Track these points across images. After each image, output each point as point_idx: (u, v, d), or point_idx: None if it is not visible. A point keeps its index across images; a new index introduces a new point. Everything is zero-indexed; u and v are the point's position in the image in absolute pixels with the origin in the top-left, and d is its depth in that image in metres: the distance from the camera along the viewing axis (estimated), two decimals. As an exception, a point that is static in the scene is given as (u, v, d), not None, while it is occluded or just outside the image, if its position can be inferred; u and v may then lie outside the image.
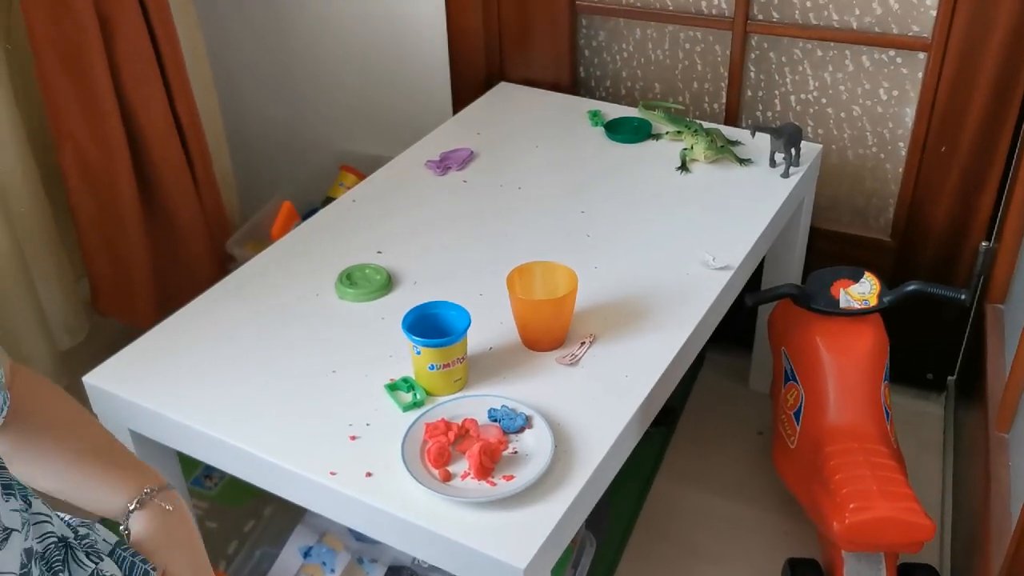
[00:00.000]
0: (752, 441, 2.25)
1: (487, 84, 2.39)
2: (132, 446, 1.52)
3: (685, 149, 2.01)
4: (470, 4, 2.31)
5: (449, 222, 1.85)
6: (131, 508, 0.92)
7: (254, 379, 1.48)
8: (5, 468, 0.80)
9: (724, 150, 2.00)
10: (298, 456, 1.34)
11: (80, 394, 1.48)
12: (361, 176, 2.38)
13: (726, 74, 2.21)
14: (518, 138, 2.13)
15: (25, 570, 0.77)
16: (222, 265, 2.34)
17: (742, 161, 2.00)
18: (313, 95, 2.64)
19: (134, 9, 2.06)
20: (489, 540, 1.21)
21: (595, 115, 2.18)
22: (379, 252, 1.76)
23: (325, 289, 1.67)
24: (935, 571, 1.78)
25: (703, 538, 2.03)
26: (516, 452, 1.32)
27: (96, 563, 0.85)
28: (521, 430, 1.35)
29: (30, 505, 0.81)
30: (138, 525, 0.92)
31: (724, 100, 2.24)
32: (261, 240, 2.27)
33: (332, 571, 1.73)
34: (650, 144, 2.09)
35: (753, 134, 1.99)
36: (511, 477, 1.28)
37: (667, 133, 2.09)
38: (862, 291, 1.82)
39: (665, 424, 2.29)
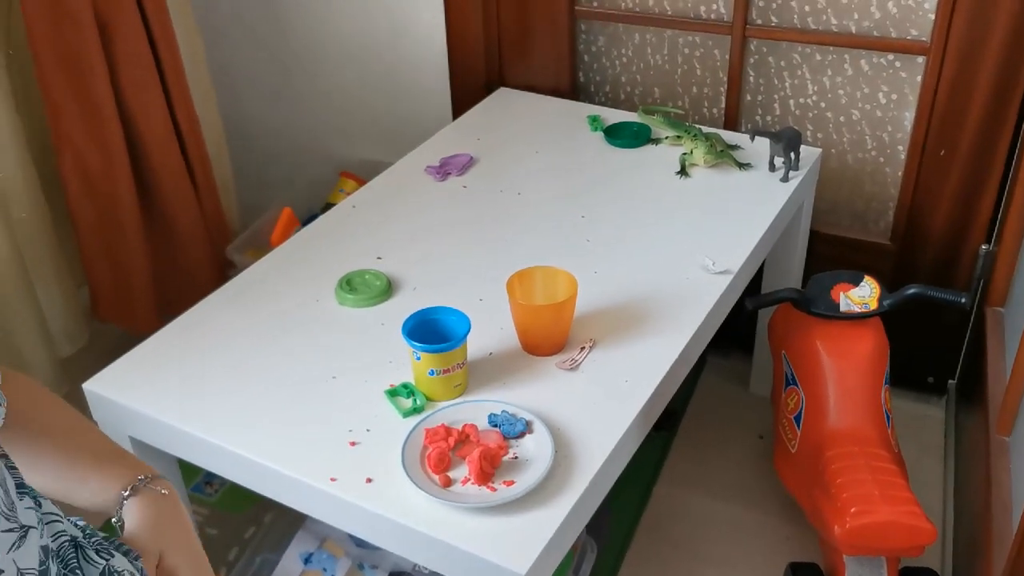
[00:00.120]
0: (753, 445, 2.25)
1: (487, 89, 2.39)
2: (133, 453, 1.51)
3: (684, 154, 2.01)
4: (470, 10, 2.31)
5: (449, 228, 1.85)
6: (125, 495, 0.91)
7: (254, 385, 1.48)
8: (16, 468, 0.80)
9: (723, 154, 2.00)
10: (298, 462, 1.34)
11: (80, 401, 1.48)
12: (361, 182, 2.38)
13: (725, 79, 2.21)
14: (518, 143, 2.13)
15: (44, 567, 0.77)
16: (222, 271, 2.34)
17: (742, 165, 2.00)
18: (313, 101, 2.64)
19: (133, 15, 2.07)
20: (489, 546, 1.21)
21: (594, 120, 2.18)
22: (379, 258, 1.76)
23: (325, 295, 1.67)
24: (937, 575, 1.78)
25: (704, 543, 2.02)
26: (516, 457, 1.32)
27: (107, 559, 0.85)
28: (521, 435, 1.35)
29: (40, 505, 0.81)
30: (132, 513, 0.91)
31: (723, 104, 2.24)
32: (261, 246, 2.27)
33: (333, 577, 1.73)
34: (650, 149, 2.09)
35: (752, 138, 1.99)
36: (511, 482, 1.27)
37: (666, 138, 2.10)
38: (862, 295, 1.82)
39: (666, 428, 2.28)
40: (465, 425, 1.36)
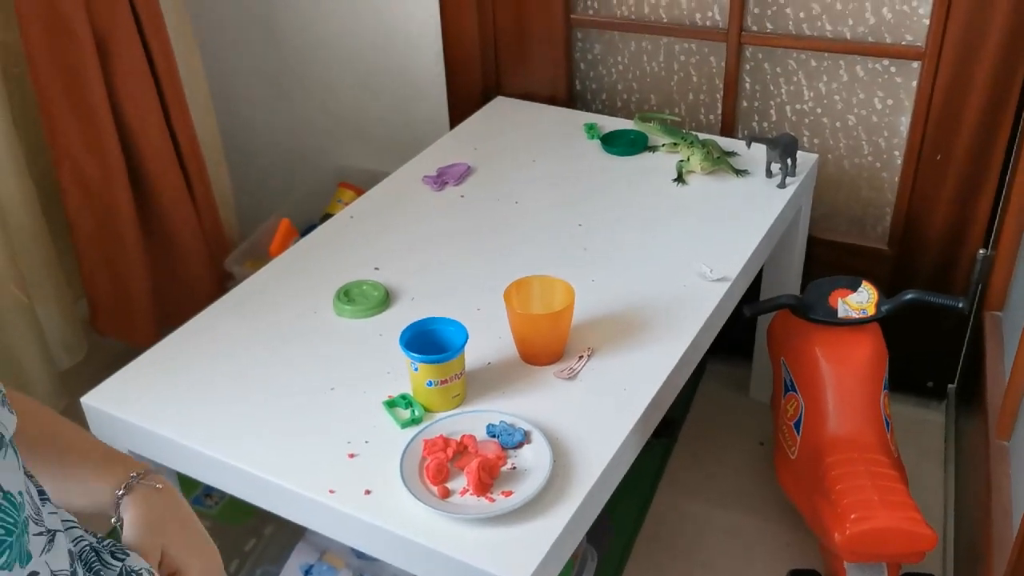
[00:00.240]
0: (753, 451, 2.24)
1: (484, 98, 2.39)
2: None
3: (681, 161, 2.01)
4: (465, 19, 2.32)
5: (446, 237, 1.85)
6: (120, 494, 0.92)
7: (253, 398, 1.48)
8: (34, 476, 0.81)
9: (720, 161, 2.00)
10: (297, 475, 1.34)
11: (79, 414, 1.48)
12: (359, 192, 2.38)
13: (721, 85, 2.21)
14: (515, 152, 2.14)
15: (72, 570, 0.78)
16: (221, 283, 2.34)
17: (738, 172, 2.00)
18: (310, 112, 2.65)
19: (130, 29, 2.07)
20: (488, 556, 1.21)
21: (591, 128, 2.18)
22: (376, 268, 1.76)
23: (323, 306, 1.67)
24: (938, 580, 1.78)
25: (705, 550, 2.02)
26: (515, 468, 1.32)
27: (122, 560, 0.86)
28: (519, 445, 1.35)
29: (58, 511, 0.82)
30: (128, 512, 0.91)
31: (720, 111, 2.24)
32: (260, 257, 2.28)
33: (333, 588, 1.73)
34: (646, 156, 2.09)
35: (749, 145, 1.99)
36: (510, 493, 1.27)
37: (663, 145, 2.10)
38: (860, 300, 1.82)
39: (666, 435, 2.28)
40: (463, 436, 1.36)
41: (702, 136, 2.08)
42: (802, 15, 2.06)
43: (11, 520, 0.70)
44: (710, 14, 2.15)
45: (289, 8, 2.49)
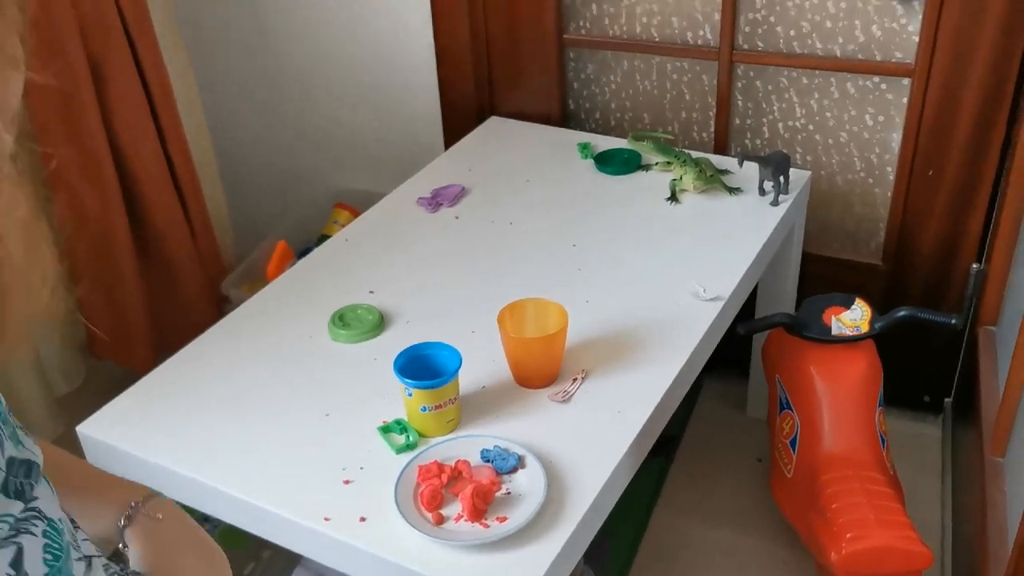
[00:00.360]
0: (751, 468, 2.25)
1: (478, 118, 2.40)
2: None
3: (674, 179, 2.02)
4: (459, 40, 2.33)
5: (441, 259, 1.86)
6: (121, 524, 0.90)
7: (249, 424, 1.48)
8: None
9: (713, 180, 2.01)
10: (292, 503, 1.34)
11: (75, 443, 1.48)
12: (355, 212, 2.39)
13: (714, 103, 2.22)
14: (509, 173, 2.15)
15: None
16: (218, 306, 2.35)
17: (731, 190, 2.01)
18: (305, 133, 2.66)
19: (125, 55, 2.09)
20: (483, 583, 1.21)
21: (585, 147, 2.19)
22: (371, 292, 1.77)
23: (319, 331, 1.68)
24: (936, 597, 1.78)
25: (704, 569, 2.02)
26: (509, 493, 1.32)
27: None
28: (514, 470, 1.35)
29: (88, 539, 0.82)
30: (133, 544, 0.90)
31: (713, 129, 2.26)
32: (257, 280, 2.29)
33: (331, 612, 1.72)
34: (640, 175, 2.10)
35: (741, 164, 2.00)
36: (504, 519, 1.28)
37: (657, 164, 2.11)
38: (853, 318, 1.83)
39: (663, 454, 2.28)
40: (458, 461, 1.36)
41: (695, 154, 2.09)
42: (792, 33, 2.08)
43: (57, 545, 0.70)
44: (701, 33, 2.16)
45: (283, 29, 2.50)
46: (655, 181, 2.07)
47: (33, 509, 0.67)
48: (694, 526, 2.12)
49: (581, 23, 2.27)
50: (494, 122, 2.38)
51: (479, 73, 2.37)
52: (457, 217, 1.99)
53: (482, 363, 1.56)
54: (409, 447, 1.40)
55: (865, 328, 1.82)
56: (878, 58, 2.03)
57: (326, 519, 1.31)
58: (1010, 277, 1.95)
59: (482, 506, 1.29)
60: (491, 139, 2.31)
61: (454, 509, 1.30)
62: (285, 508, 1.33)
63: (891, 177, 2.13)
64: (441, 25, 2.32)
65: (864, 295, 1.89)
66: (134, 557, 0.91)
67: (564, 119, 2.39)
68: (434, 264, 1.85)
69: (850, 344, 1.83)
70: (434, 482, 1.32)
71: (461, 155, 2.25)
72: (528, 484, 1.33)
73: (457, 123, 2.43)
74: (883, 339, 1.89)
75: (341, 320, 1.67)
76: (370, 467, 1.39)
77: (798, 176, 2.03)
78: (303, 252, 2.34)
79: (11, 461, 0.66)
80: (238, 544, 2.04)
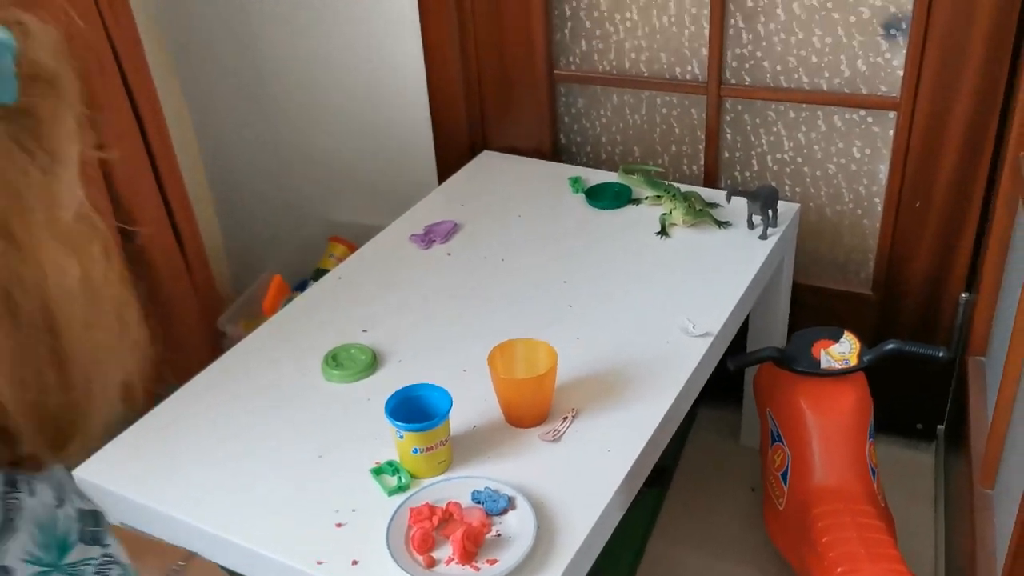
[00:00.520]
0: (746, 497, 2.26)
1: (471, 152, 2.43)
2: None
3: (664, 214, 2.04)
4: (451, 76, 2.36)
5: (433, 297, 1.88)
6: None
7: (243, 467, 1.50)
8: None
9: (702, 214, 2.03)
10: (285, 546, 1.35)
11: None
12: (351, 246, 2.42)
13: (703, 136, 2.25)
14: (501, 208, 2.17)
15: None
16: (215, 342, 2.37)
17: (721, 224, 2.03)
18: (300, 168, 2.69)
19: (120, 94, 2.11)
20: (474, 626, 1.22)
21: (576, 181, 2.21)
22: (364, 330, 1.78)
23: (312, 370, 1.69)
24: (929, 628, 1.79)
25: (699, 599, 2.03)
26: (500, 535, 1.34)
27: None
28: (504, 511, 1.37)
29: None
30: None
31: (703, 161, 2.28)
32: (253, 315, 2.30)
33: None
34: (630, 209, 2.12)
35: (729, 199, 2.02)
36: (495, 561, 1.29)
37: (647, 198, 2.13)
38: (842, 351, 1.84)
39: (658, 484, 2.30)
40: (449, 503, 1.37)
41: (684, 188, 2.11)
42: (779, 68, 2.10)
43: None
44: (689, 68, 2.19)
45: (278, 66, 2.53)
46: (645, 215, 2.09)
47: (108, 556, 0.68)
48: (689, 555, 2.13)
49: (571, 58, 2.30)
50: (486, 156, 2.41)
51: (471, 108, 2.40)
52: (449, 254, 2.02)
53: (473, 403, 1.57)
54: (401, 489, 1.42)
55: (854, 361, 1.84)
56: (864, 92, 2.05)
57: (319, 562, 1.32)
58: (998, 306, 1.97)
59: (472, 548, 1.30)
60: (483, 173, 2.34)
61: (445, 552, 1.31)
62: (279, 552, 1.35)
63: (879, 208, 2.16)
64: (433, 61, 2.35)
65: (854, 324, 1.90)
66: None
67: (555, 153, 2.42)
68: (427, 302, 1.87)
69: (840, 377, 1.85)
70: (425, 524, 1.33)
71: (454, 190, 2.27)
72: (518, 526, 1.34)
73: (450, 157, 2.46)
74: (874, 368, 1.90)
75: (334, 360, 1.69)
76: (362, 509, 1.40)
77: (787, 208, 2.05)
78: (299, 286, 2.37)
79: (81, 512, 0.67)
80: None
